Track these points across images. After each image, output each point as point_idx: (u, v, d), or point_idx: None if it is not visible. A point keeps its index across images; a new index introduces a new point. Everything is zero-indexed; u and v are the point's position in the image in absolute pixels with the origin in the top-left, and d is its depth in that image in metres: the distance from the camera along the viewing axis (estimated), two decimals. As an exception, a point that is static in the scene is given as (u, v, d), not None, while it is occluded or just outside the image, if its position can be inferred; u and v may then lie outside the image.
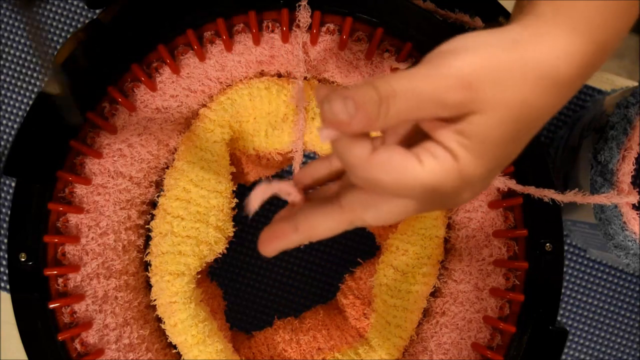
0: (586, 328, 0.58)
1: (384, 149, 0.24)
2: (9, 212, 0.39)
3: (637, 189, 0.42)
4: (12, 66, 0.59)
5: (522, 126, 0.25)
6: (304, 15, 0.39)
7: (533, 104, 0.24)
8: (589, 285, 0.58)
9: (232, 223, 0.43)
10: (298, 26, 0.40)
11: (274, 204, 0.58)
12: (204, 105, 0.43)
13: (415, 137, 0.26)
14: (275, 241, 0.27)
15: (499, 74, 0.23)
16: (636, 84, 0.55)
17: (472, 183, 0.25)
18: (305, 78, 0.43)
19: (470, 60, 0.23)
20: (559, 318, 0.52)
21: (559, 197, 0.38)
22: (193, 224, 0.41)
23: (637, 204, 0.42)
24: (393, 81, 0.23)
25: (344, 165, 0.25)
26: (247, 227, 0.58)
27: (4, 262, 0.58)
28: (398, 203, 0.25)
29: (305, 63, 0.41)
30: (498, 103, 0.23)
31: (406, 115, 0.23)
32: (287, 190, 0.28)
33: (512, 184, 0.40)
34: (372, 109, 0.22)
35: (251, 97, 0.42)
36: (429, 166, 0.24)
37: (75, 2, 0.59)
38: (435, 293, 0.44)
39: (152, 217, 0.43)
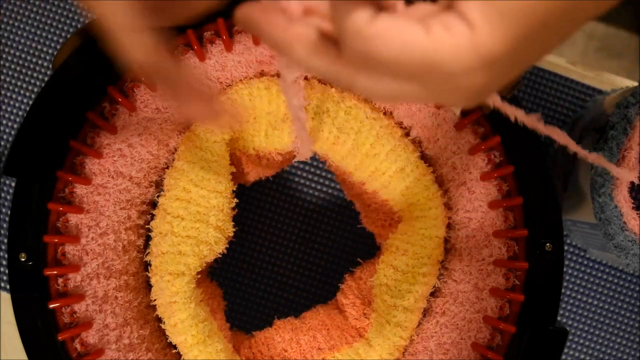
0: (586, 328, 0.58)
1: (387, 16, 0.20)
2: (9, 212, 0.39)
3: (637, 190, 0.42)
4: (12, 66, 0.59)
5: (558, 9, 0.20)
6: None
7: None
8: (589, 285, 0.58)
9: (232, 223, 0.43)
10: None
11: (275, 204, 0.58)
12: (204, 105, 0.43)
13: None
14: (257, 17, 0.22)
15: None
16: (636, 84, 0.55)
17: (489, 63, 0.20)
18: (305, 78, 0.43)
19: None
20: (559, 318, 0.52)
21: (526, 118, 0.32)
22: (193, 224, 0.41)
23: (637, 205, 0.42)
24: None
25: (339, 33, 0.20)
26: (247, 227, 0.58)
27: (4, 262, 0.58)
28: (398, 83, 0.21)
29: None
30: None
31: None
32: None
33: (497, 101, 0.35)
34: None
35: (251, 97, 0.42)
36: (437, 36, 0.19)
37: (75, 2, 0.59)
38: (435, 293, 0.44)
39: (152, 217, 0.43)
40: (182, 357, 0.43)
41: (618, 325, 0.58)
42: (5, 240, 0.40)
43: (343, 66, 0.22)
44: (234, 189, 0.43)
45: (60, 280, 0.40)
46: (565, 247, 0.58)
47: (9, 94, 0.59)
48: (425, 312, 0.44)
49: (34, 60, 0.59)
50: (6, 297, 0.58)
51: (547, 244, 0.40)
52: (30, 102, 0.58)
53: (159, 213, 0.42)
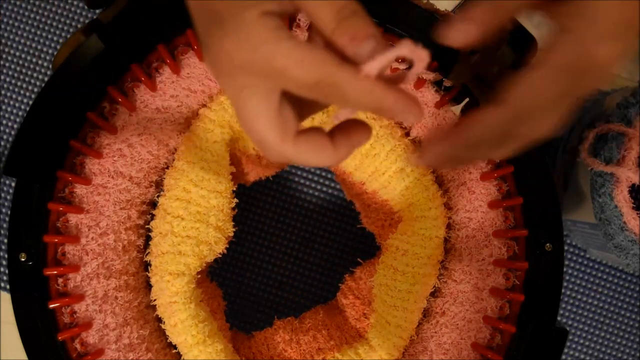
0: (586, 328, 0.58)
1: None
2: (9, 212, 0.39)
3: (637, 190, 0.42)
4: (12, 66, 0.59)
5: None
6: (303, 14, 0.39)
7: None
8: (589, 285, 0.58)
9: (232, 223, 0.43)
10: (299, 26, 0.40)
11: (275, 204, 0.58)
12: (204, 105, 0.43)
13: None
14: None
15: None
16: (636, 84, 0.55)
17: None
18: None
19: None
20: (559, 318, 0.52)
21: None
22: (193, 224, 0.41)
23: (637, 205, 0.42)
24: None
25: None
26: (247, 227, 0.58)
27: (4, 262, 0.58)
28: None
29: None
30: None
31: None
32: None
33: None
34: None
35: (251, 97, 0.42)
36: None
37: (75, 2, 0.59)
38: (435, 293, 0.44)
39: (152, 217, 0.43)
40: (182, 357, 0.43)
41: (618, 325, 0.58)
42: (5, 240, 0.40)
43: None
44: (234, 189, 0.43)
45: (60, 280, 0.40)
46: (565, 247, 0.58)
47: (9, 94, 0.59)
48: (425, 312, 0.44)
49: (34, 60, 0.59)
50: (6, 297, 0.58)
51: (547, 244, 0.40)
52: (30, 102, 0.58)
53: (159, 213, 0.42)
